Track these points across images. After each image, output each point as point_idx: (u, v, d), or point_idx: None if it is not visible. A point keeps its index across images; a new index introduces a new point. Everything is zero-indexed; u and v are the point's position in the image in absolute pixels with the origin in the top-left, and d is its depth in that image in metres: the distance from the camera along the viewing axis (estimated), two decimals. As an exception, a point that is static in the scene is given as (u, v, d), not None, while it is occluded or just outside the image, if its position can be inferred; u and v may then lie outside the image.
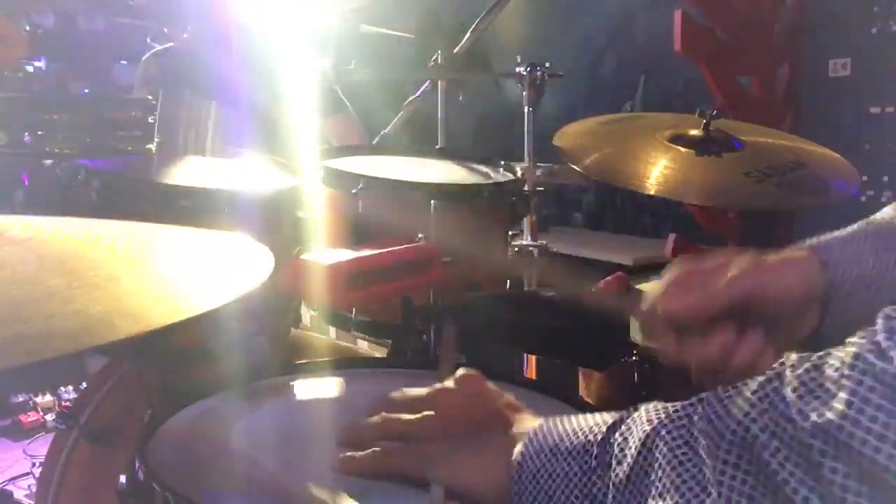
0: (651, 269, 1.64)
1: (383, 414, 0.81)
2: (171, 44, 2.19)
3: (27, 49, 1.50)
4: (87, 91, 3.56)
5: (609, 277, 1.36)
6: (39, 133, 1.24)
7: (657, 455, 0.62)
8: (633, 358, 1.20)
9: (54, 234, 0.78)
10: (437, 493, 0.73)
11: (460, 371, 0.83)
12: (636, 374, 1.20)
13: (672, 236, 2.55)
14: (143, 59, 2.12)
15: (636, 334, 1.16)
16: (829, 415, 0.53)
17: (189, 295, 0.65)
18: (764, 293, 0.83)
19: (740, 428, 0.58)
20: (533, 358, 1.82)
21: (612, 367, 1.25)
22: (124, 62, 4.22)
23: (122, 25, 4.10)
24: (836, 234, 0.88)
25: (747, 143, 1.52)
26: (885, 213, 0.90)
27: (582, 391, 1.37)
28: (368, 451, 0.77)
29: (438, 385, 0.81)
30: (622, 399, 1.28)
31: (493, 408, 0.79)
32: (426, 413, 0.78)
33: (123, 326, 0.57)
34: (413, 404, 0.82)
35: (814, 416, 0.54)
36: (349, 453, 0.78)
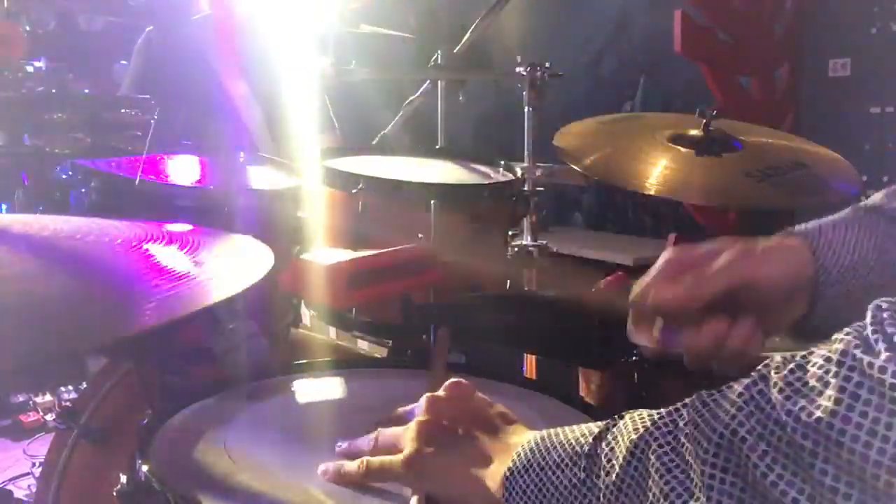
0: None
1: (378, 429, 0.81)
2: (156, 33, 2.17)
3: (27, 49, 1.50)
4: (87, 91, 3.56)
5: (609, 277, 1.36)
6: (39, 133, 1.24)
7: (645, 463, 0.62)
8: (633, 358, 1.20)
9: (54, 234, 0.78)
10: None
11: (451, 380, 0.83)
12: (636, 374, 1.20)
13: (672, 236, 2.54)
14: (136, 47, 2.10)
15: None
16: (819, 413, 0.53)
17: (187, 294, 0.65)
18: (754, 281, 0.82)
19: (727, 431, 0.58)
20: (533, 358, 1.82)
21: (612, 367, 1.25)
22: (124, 62, 4.22)
23: (122, 25, 4.11)
24: (827, 219, 0.88)
25: (747, 143, 1.52)
26: (875, 198, 0.89)
27: (582, 391, 1.37)
28: (357, 460, 0.78)
29: (428, 394, 0.81)
30: (622, 399, 1.28)
31: (483, 417, 0.79)
32: (417, 419, 0.78)
33: (120, 326, 0.57)
34: (404, 417, 0.82)
35: (803, 416, 0.54)
36: (339, 462, 0.79)
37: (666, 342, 0.86)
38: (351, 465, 0.77)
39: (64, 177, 1.36)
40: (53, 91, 1.28)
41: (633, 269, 2.35)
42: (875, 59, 2.55)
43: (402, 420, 0.81)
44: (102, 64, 4.24)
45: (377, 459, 0.77)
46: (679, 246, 0.88)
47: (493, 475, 0.71)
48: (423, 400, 0.80)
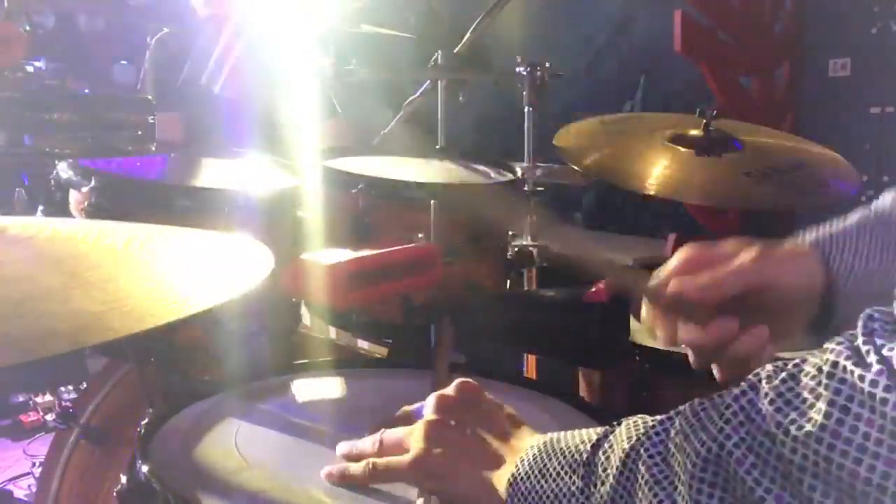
0: (651, 269, 1.64)
1: (382, 430, 0.80)
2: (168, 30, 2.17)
3: (27, 49, 1.50)
4: (87, 91, 3.56)
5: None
6: (39, 133, 1.24)
7: (636, 474, 0.62)
8: (634, 358, 1.20)
9: (54, 234, 0.78)
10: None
11: (459, 379, 0.82)
12: (636, 374, 1.20)
13: (672, 236, 2.55)
14: (156, 38, 2.10)
15: (637, 334, 1.16)
16: (808, 427, 0.52)
17: (187, 295, 0.64)
18: (772, 285, 0.82)
19: (715, 445, 0.57)
20: (533, 358, 1.82)
21: (612, 367, 1.25)
22: (124, 62, 4.22)
23: (122, 25, 4.10)
24: (838, 226, 0.87)
25: (747, 143, 1.52)
26: (887, 201, 0.88)
27: (582, 391, 1.37)
28: (363, 462, 0.77)
29: (437, 393, 0.81)
30: (622, 399, 1.28)
31: (492, 418, 0.79)
32: (425, 419, 0.78)
33: (120, 326, 0.57)
34: (407, 417, 0.82)
35: (793, 430, 0.53)
36: (343, 464, 0.78)
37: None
38: (356, 467, 0.77)
39: (64, 177, 1.36)
40: (53, 91, 1.28)
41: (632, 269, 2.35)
42: (875, 59, 2.55)
43: (405, 420, 0.81)
44: (102, 64, 4.24)
45: (383, 460, 0.76)
46: (697, 243, 0.87)
47: (500, 478, 0.71)
48: (430, 399, 0.80)
